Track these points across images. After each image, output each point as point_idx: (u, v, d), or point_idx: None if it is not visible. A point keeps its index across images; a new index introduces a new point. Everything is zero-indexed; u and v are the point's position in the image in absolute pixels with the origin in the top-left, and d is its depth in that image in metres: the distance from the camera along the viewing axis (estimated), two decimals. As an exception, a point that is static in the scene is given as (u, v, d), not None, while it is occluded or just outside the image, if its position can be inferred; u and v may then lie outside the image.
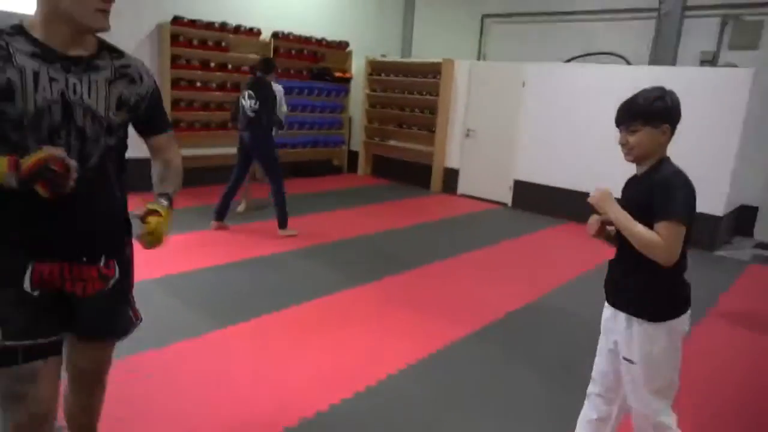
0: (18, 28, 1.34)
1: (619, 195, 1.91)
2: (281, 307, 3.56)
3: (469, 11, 9.47)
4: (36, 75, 1.30)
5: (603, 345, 1.95)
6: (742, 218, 6.85)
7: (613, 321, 1.88)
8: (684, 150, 6.06)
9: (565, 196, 6.92)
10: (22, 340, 1.40)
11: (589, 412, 2.00)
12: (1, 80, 1.28)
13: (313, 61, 8.34)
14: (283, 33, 7.72)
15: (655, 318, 1.76)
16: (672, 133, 1.80)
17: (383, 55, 9.20)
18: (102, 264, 1.51)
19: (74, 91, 1.35)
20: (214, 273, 4.12)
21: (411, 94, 8.62)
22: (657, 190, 1.72)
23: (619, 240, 1.83)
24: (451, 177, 8.34)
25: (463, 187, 8.23)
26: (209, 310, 3.44)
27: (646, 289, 1.78)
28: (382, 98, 9.09)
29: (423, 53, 9.49)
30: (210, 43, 6.98)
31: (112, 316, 1.59)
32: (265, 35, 7.55)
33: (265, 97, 5.06)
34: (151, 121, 1.61)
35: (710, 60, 7.16)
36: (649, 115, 1.77)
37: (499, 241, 5.75)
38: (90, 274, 1.48)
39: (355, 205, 6.94)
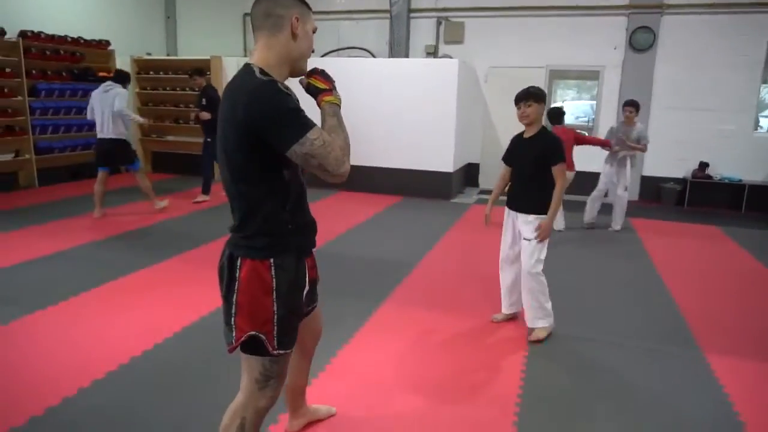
0: (267, 74, 1.52)
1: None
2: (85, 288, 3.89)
3: (231, 10, 10.06)
4: None
5: (508, 232, 3.38)
6: (469, 172, 8.89)
7: (515, 218, 3.29)
8: (418, 123, 7.70)
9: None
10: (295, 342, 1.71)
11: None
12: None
13: (73, 62, 8.07)
14: (32, 32, 7.35)
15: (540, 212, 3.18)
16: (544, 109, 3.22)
17: (149, 54, 9.27)
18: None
19: None
20: None
21: (183, 91, 8.92)
22: (549, 147, 3.12)
23: (522, 182, 3.28)
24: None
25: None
26: None
27: (539, 199, 3.18)
28: (154, 96, 9.19)
29: (190, 51, 9.79)
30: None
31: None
32: (11, 35, 7.12)
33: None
34: None
35: (432, 52, 8.98)
36: (539, 95, 3.14)
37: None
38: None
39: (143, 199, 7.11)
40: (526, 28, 8.50)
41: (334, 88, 1.63)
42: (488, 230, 6.29)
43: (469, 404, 2.57)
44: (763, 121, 8.55)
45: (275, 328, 1.57)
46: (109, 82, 5.90)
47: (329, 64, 9.14)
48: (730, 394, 2.72)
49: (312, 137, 1.44)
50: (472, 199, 7.99)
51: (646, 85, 8.15)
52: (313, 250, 1.77)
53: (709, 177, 7.99)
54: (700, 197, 8.03)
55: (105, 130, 5.81)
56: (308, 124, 1.45)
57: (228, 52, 9.25)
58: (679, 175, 8.23)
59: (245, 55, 9.95)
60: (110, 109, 5.73)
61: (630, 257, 5.23)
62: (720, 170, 8.04)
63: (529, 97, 3.10)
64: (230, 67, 8.60)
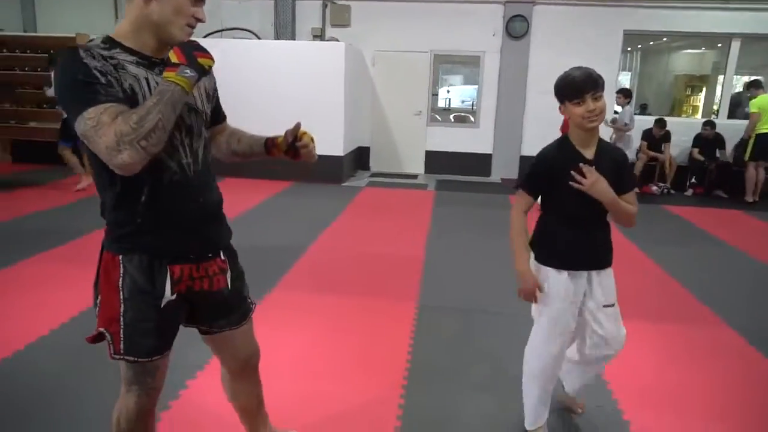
0: (110, 41, 1.35)
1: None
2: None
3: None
4: (147, 81, 1.35)
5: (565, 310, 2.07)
6: (360, 156, 8.97)
7: (586, 282, 2.06)
8: (306, 107, 7.63)
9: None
10: (161, 353, 1.48)
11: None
12: (125, 87, 1.30)
13: None
14: None
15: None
16: None
17: (0, 29, 8.27)
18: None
19: None
20: None
21: (47, 72, 8.07)
22: (623, 164, 2.05)
23: (593, 224, 2.05)
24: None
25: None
26: None
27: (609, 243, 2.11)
28: (12, 77, 8.22)
29: (53, 27, 8.86)
30: None
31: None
32: None
33: None
34: (219, 109, 1.69)
35: (319, 35, 8.88)
36: (602, 83, 1.90)
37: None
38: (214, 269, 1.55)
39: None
40: (410, 13, 8.66)
41: (194, 67, 1.30)
42: (379, 213, 6.45)
43: (358, 381, 2.62)
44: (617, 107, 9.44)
45: (121, 330, 1.41)
46: None
47: (211, 46, 8.63)
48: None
49: (87, 116, 1.21)
50: (364, 182, 8.07)
51: (522, 71, 8.66)
52: (194, 256, 1.49)
53: (578, 156, 8.71)
54: (571, 175, 8.74)
55: None
56: (92, 100, 1.22)
57: (97, 30, 8.50)
58: (553, 154, 8.87)
59: (117, 34, 9.20)
60: None
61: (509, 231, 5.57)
62: (587, 150, 8.80)
63: (598, 84, 1.88)
64: (100, 47, 7.91)
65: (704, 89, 10.50)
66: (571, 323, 2.10)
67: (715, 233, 5.77)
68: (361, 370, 2.74)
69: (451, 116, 10.10)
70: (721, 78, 8.96)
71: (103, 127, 1.21)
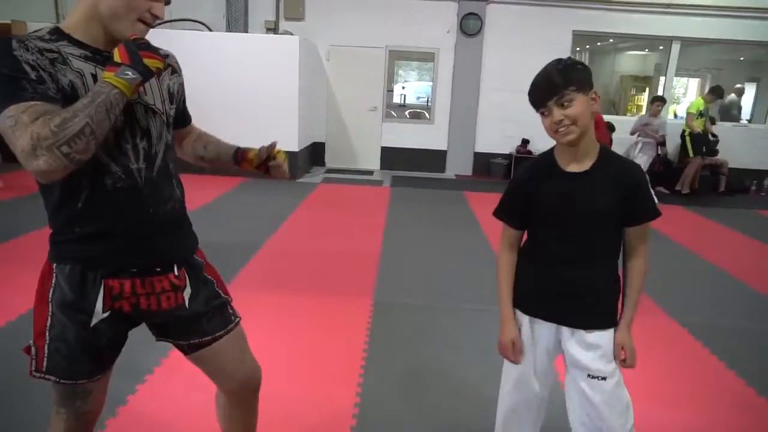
0: (57, 32, 1.23)
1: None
2: None
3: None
4: (94, 77, 1.22)
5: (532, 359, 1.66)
6: (315, 152, 8.89)
7: (553, 338, 1.62)
8: (259, 102, 7.50)
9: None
10: (90, 377, 1.34)
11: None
12: (64, 84, 1.17)
13: None
14: None
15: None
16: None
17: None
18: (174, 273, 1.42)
19: None
20: None
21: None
22: (635, 185, 1.51)
23: (570, 264, 1.56)
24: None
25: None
26: None
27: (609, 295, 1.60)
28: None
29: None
30: None
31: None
32: None
33: None
34: (185, 112, 1.58)
35: (273, 28, 8.73)
36: (583, 80, 1.45)
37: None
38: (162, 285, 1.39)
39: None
40: (365, 8, 8.62)
41: (138, 68, 1.16)
42: (335, 209, 6.43)
43: (313, 379, 2.60)
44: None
45: (46, 345, 1.29)
46: None
47: (158, 37, 8.34)
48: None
49: (8, 114, 1.09)
50: (319, 178, 8.01)
51: (476, 68, 8.78)
52: (135, 270, 1.34)
53: (530, 153, 8.90)
54: (523, 171, 8.94)
55: None
56: (15, 97, 1.10)
57: (36, 17, 8.07)
58: (506, 151, 9.05)
59: (57, 21, 8.77)
60: None
61: (465, 227, 5.66)
62: (539, 146, 9.01)
63: (560, 86, 1.44)
64: (39, 35, 7.53)
65: (647, 89, 10.95)
66: (534, 384, 1.66)
67: (654, 226, 6.03)
68: (317, 368, 2.72)
69: (406, 112, 10.15)
70: (662, 79, 9.36)
71: (20, 128, 1.07)
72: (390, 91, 9.26)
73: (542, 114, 1.50)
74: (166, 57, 1.35)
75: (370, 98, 8.83)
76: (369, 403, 2.42)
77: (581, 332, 1.56)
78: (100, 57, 1.23)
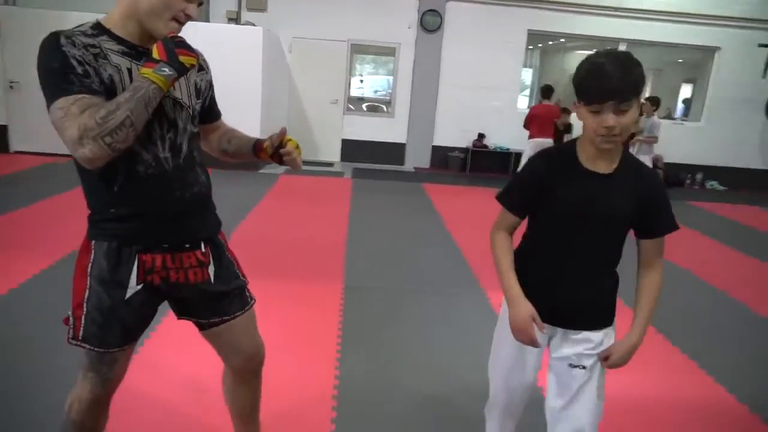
0: (99, 27, 1.33)
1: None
2: None
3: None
4: (129, 72, 1.32)
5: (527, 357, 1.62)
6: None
7: (553, 338, 1.59)
8: (221, 93, 7.45)
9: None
10: (120, 345, 1.46)
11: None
12: (104, 78, 1.28)
13: None
14: None
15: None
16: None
17: None
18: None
19: None
20: None
21: None
22: (654, 192, 1.44)
23: (581, 267, 1.51)
24: None
25: (17, 143, 7.79)
26: None
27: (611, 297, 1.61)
28: None
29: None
30: None
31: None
32: None
33: None
34: (213, 107, 1.66)
35: (235, 18, 8.70)
36: (641, 86, 1.32)
37: (54, 195, 5.95)
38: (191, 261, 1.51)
39: None
40: (327, 1, 8.72)
41: (174, 65, 1.26)
42: (299, 200, 6.53)
43: (294, 358, 2.75)
44: (522, 100, 10.12)
45: (83, 316, 1.40)
46: None
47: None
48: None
49: (58, 106, 1.21)
50: (280, 169, 8.06)
51: (435, 63, 9.04)
52: (167, 245, 1.45)
53: (486, 146, 9.25)
54: (479, 164, 9.28)
55: None
56: (64, 90, 1.21)
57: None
58: (463, 144, 9.37)
59: (8, 3, 8.44)
60: None
61: (424, 217, 5.90)
62: (494, 140, 9.37)
63: (630, 91, 1.29)
64: None
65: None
66: (528, 376, 1.65)
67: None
68: (295, 349, 2.87)
69: (364, 105, 10.28)
70: (610, 78, 9.85)
71: (69, 119, 1.19)
72: (353, 84, 9.40)
73: (592, 111, 1.33)
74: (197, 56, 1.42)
75: (331, 91, 8.93)
76: (348, 381, 2.59)
77: (581, 333, 1.54)
78: (135, 52, 1.34)
